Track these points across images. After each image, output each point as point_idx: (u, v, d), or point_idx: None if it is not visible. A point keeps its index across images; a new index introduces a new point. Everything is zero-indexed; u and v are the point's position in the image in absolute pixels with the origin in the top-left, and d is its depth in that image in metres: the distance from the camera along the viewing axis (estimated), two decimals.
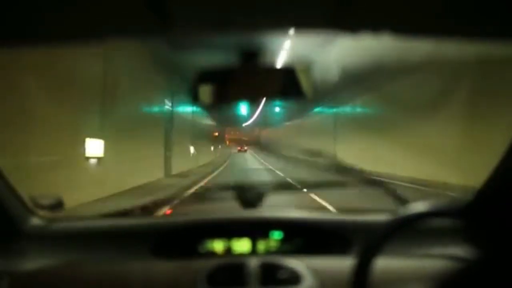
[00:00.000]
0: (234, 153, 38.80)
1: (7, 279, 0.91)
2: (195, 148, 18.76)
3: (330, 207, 4.61)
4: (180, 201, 3.69)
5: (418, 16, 0.64)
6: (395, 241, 0.70)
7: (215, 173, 14.15)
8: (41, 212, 1.23)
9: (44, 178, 4.71)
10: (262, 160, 24.00)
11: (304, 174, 10.29)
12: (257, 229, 1.22)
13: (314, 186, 3.06)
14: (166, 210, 2.85)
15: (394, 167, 10.72)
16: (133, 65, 8.89)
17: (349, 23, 0.66)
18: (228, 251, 1.20)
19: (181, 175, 12.46)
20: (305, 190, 2.93)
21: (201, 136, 22.62)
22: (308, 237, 1.22)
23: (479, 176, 0.89)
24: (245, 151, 44.76)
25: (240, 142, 51.65)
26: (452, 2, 0.60)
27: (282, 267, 0.93)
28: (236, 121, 45.81)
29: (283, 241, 1.21)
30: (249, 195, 1.41)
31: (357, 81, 13.75)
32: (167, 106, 13.26)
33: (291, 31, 0.81)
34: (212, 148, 31.18)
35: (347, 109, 18.68)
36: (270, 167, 16.80)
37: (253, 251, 1.19)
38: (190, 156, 17.76)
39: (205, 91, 1.12)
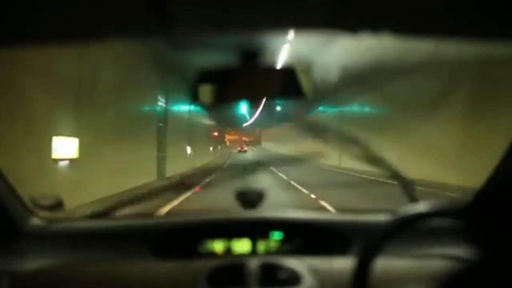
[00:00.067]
0: (234, 154, 38.65)
1: (7, 279, 0.91)
2: (192, 149, 18.20)
3: (327, 205, 4.60)
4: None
5: (418, 16, 0.64)
6: (395, 241, 0.70)
7: (211, 176, 13.94)
8: (41, 213, 1.23)
9: None
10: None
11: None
12: (257, 229, 1.22)
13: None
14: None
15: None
16: (120, 60, 8.07)
17: (349, 23, 0.66)
18: (228, 251, 1.20)
19: (176, 178, 12.21)
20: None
21: (199, 137, 22.20)
22: (308, 237, 1.22)
23: (479, 176, 0.89)
24: (245, 151, 44.76)
25: (240, 142, 51.68)
26: (452, 2, 0.60)
27: (282, 268, 0.93)
28: (236, 121, 45.80)
29: (283, 241, 1.21)
30: (249, 195, 1.41)
31: (357, 81, 13.76)
32: (161, 104, 12.41)
33: (291, 31, 0.81)
34: (211, 148, 30.85)
35: (347, 109, 18.69)
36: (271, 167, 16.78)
37: (253, 252, 1.19)
38: (187, 157, 17.13)
39: (205, 91, 1.11)
